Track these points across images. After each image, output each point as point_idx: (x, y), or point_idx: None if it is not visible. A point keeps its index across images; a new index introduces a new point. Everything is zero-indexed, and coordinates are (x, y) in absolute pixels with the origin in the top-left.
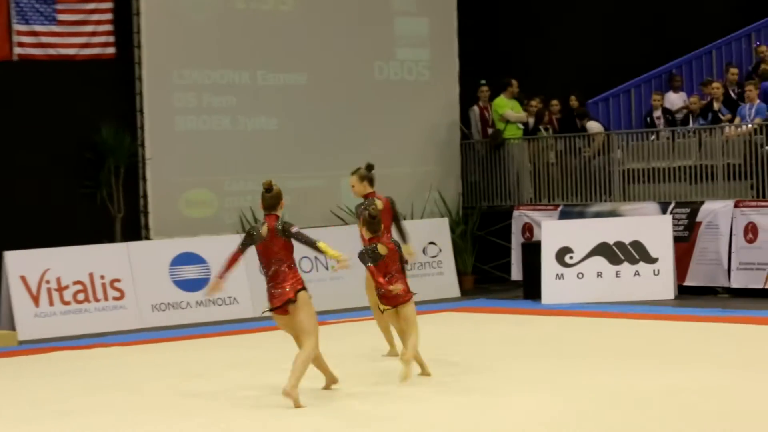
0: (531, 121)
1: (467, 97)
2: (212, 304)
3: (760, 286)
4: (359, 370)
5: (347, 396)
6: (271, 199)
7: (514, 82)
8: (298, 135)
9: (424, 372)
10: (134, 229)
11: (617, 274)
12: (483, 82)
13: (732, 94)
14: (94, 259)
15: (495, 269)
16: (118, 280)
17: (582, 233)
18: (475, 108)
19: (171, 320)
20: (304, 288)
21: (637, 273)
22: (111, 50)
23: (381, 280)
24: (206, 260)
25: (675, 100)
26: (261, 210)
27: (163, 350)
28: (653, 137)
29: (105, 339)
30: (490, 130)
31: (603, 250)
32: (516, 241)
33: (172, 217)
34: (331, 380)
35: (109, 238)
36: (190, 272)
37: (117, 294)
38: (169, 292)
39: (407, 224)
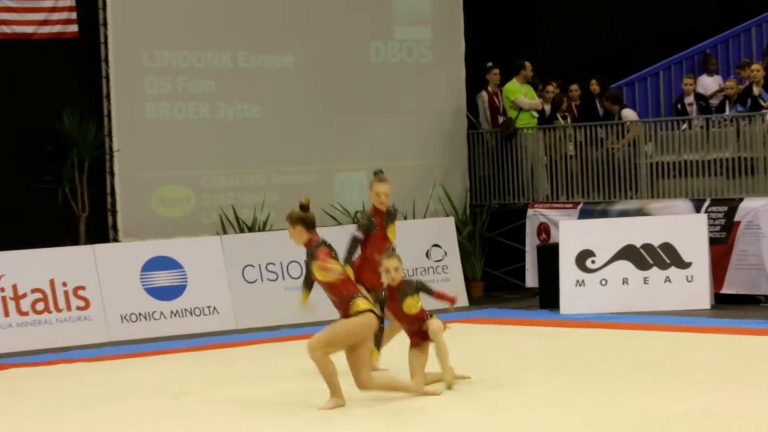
0: (547, 108)
1: (475, 82)
2: (189, 315)
3: None
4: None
5: (352, 415)
6: (313, 216)
7: (528, 65)
8: (285, 124)
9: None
10: (101, 230)
11: (645, 280)
12: (490, 64)
13: None
14: (56, 264)
15: (507, 275)
16: (82, 288)
17: (605, 234)
18: (484, 94)
19: (142, 333)
20: None
21: (667, 279)
22: (73, 28)
23: None
24: (182, 265)
25: (709, 84)
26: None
27: (134, 367)
28: (685, 126)
29: (68, 354)
30: (500, 119)
31: (629, 253)
32: (531, 243)
33: (143, 216)
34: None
35: (73, 240)
36: (163, 279)
37: (81, 303)
38: (140, 300)
39: (408, 224)
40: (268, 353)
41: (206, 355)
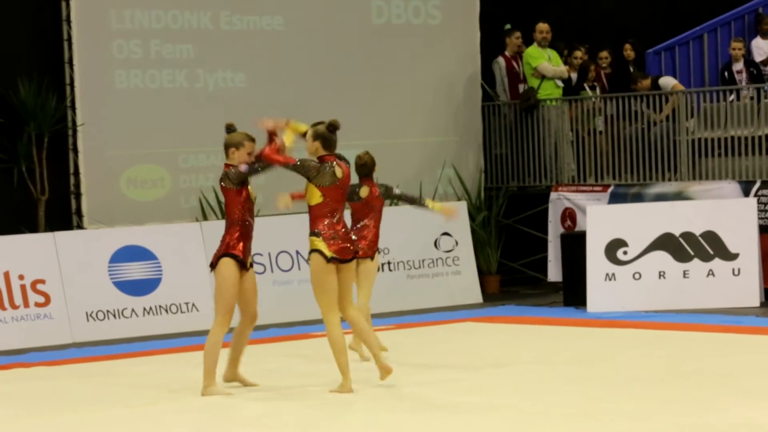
0: (574, 76)
1: (490, 47)
2: (164, 312)
3: None
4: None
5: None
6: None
7: (541, 27)
8: (274, 95)
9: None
10: (63, 215)
11: (685, 274)
12: (508, 27)
13: None
14: (11, 255)
15: (526, 267)
16: (41, 282)
17: (639, 222)
18: (501, 59)
19: (111, 332)
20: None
21: (711, 273)
22: None
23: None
24: (156, 255)
25: (763, 48)
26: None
27: (100, 371)
28: (732, 97)
29: (26, 357)
30: (521, 88)
31: (667, 243)
32: (554, 231)
33: (111, 200)
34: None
35: (31, 227)
36: (135, 271)
37: (41, 299)
38: (108, 296)
39: (415, 210)
40: (254, 356)
41: (183, 357)
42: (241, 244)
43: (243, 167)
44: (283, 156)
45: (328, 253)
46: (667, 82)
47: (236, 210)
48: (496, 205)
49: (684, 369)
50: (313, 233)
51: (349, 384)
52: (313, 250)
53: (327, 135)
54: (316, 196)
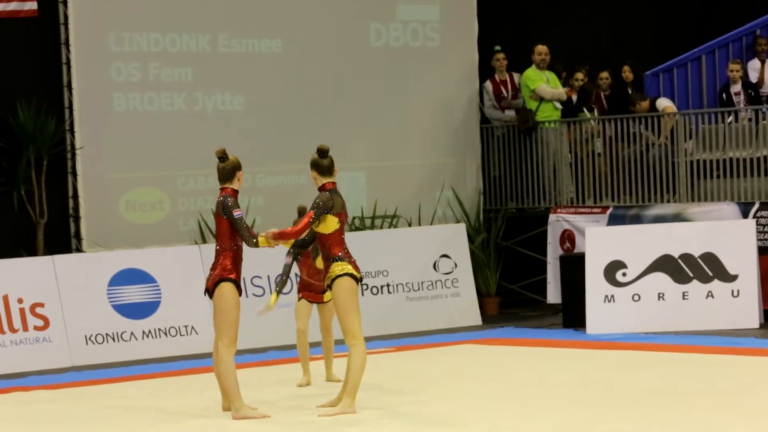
0: (574, 98)
1: (489, 69)
2: (164, 335)
3: None
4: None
5: None
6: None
7: (539, 49)
8: (272, 118)
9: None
10: (62, 238)
11: (684, 295)
12: (498, 48)
13: None
14: (10, 278)
15: (526, 289)
16: (40, 305)
17: (638, 243)
18: (489, 84)
19: (110, 356)
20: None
21: (710, 294)
22: (32, 6)
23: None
24: (155, 278)
25: (758, 69)
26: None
27: (100, 394)
28: (731, 119)
29: (25, 381)
30: (506, 112)
31: (666, 264)
32: (553, 253)
33: (110, 223)
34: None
35: (30, 251)
36: (134, 294)
37: (40, 322)
38: (107, 319)
39: (414, 232)
40: (254, 379)
41: (182, 381)
42: (235, 269)
43: (237, 213)
44: (298, 225)
45: (358, 275)
46: (659, 103)
47: (228, 237)
48: (495, 227)
49: (683, 390)
50: (336, 258)
51: (354, 404)
52: (344, 274)
53: (317, 161)
54: (333, 224)
